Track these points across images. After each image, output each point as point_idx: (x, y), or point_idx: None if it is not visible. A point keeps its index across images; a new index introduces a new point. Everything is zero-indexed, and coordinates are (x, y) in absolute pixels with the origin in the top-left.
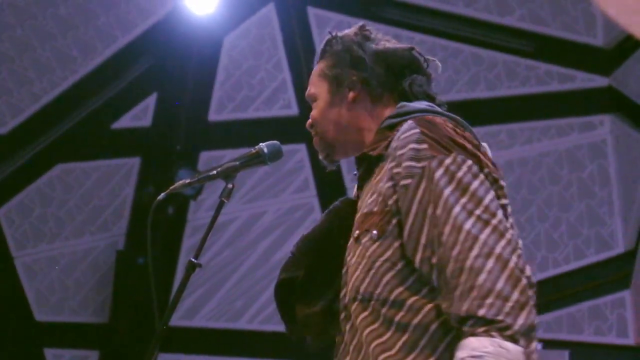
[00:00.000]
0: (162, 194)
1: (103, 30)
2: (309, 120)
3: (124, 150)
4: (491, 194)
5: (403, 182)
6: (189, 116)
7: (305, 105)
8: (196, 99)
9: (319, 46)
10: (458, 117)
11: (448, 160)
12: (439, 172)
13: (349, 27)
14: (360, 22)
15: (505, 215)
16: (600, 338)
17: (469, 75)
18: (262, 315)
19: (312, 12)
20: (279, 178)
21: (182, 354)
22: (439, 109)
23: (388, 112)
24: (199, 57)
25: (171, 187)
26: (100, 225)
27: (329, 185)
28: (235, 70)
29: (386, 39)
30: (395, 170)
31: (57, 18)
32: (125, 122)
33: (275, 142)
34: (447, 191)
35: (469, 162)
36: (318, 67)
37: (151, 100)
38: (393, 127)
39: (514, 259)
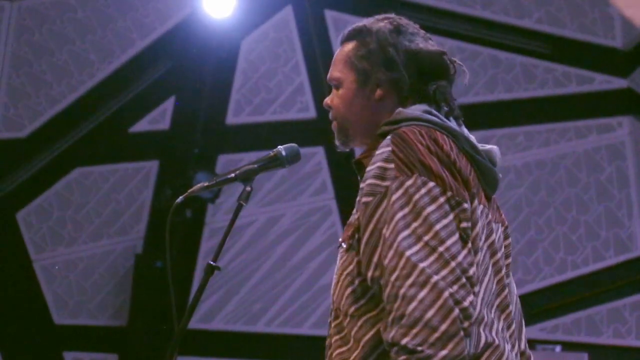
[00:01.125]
0: (181, 197)
1: (121, 34)
2: (328, 101)
3: (142, 153)
4: (447, 219)
5: (364, 199)
6: (206, 119)
7: (323, 109)
8: (214, 102)
9: (347, 29)
10: (449, 126)
11: (409, 182)
12: (397, 194)
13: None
14: (389, 14)
15: (465, 239)
16: (619, 340)
17: (487, 77)
18: (280, 318)
19: (330, 15)
20: (297, 181)
21: (200, 357)
22: (432, 117)
23: None
24: (216, 60)
25: (189, 190)
26: (119, 228)
27: (346, 187)
28: (252, 74)
29: (418, 32)
30: (361, 185)
31: (75, 22)
32: (143, 125)
33: (293, 144)
34: (399, 214)
35: (430, 184)
36: (345, 52)
37: (169, 104)
38: (384, 136)
39: (451, 288)
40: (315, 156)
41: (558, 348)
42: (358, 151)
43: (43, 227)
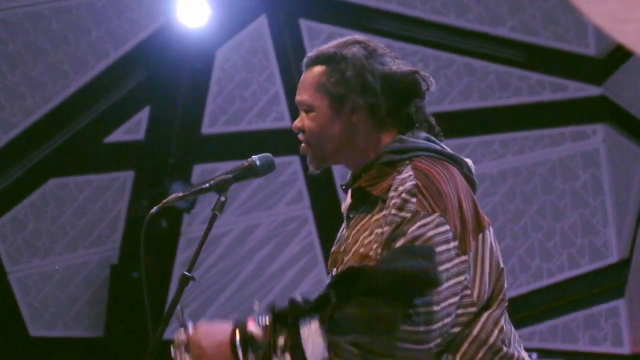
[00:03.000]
0: (156, 208)
1: (95, 44)
2: (299, 125)
3: (117, 164)
4: (449, 264)
5: (380, 230)
6: (182, 129)
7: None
8: (189, 112)
9: (310, 50)
10: (453, 154)
11: (428, 219)
12: (414, 227)
13: (341, 39)
14: (357, 35)
15: (456, 293)
16: (595, 347)
17: (462, 85)
18: None
19: (304, 24)
20: (273, 190)
21: None
22: (436, 146)
23: (388, 137)
24: (191, 70)
25: (164, 201)
26: (94, 239)
27: (322, 197)
28: (227, 83)
29: (386, 52)
30: (378, 216)
31: (49, 33)
32: (118, 135)
33: (267, 154)
34: (411, 238)
35: (447, 227)
36: (314, 76)
37: (144, 114)
38: (392, 164)
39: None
40: (291, 165)
41: (534, 355)
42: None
43: (18, 239)
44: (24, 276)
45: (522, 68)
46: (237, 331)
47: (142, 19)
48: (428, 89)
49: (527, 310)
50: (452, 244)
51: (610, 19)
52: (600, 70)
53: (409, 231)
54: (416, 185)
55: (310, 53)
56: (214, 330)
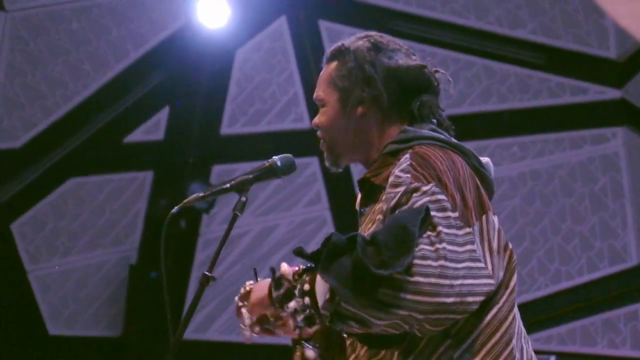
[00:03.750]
0: (176, 208)
1: (115, 44)
2: (316, 121)
3: (136, 164)
4: (449, 230)
5: (380, 205)
6: (201, 130)
7: None
8: (208, 112)
9: (328, 48)
10: (459, 144)
11: (424, 187)
12: (410, 198)
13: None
14: (371, 31)
15: (475, 259)
16: (614, 351)
17: (481, 88)
18: None
19: (324, 25)
20: (291, 191)
21: None
22: (441, 136)
23: (395, 130)
24: (211, 70)
25: (184, 201)
26: (113, 239)
27: (341, 198)
28: (247, 84)
29: (400, 48)
30: (376, 205)
31: (69, 32)
32: (137, 135)
33: (288, 155)
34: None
35: (443, 196)
36: (327, 72)
37: (163, 114)
38: (395, 154)
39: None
40: (310, 166)
41: (553, 358)
42: (355, 171)
43: (37, 238)
44: (43, 275)
45: (542, 71)
46: (276, 274)
47: (162, 19)
48: (437, 85)
49: (546, 313)
50: (451, 214)
51: (635, 19)
52: (620, 73)
53: (406, 202)
54: (410, 164)
55: (327, 50)
56: (263, 282)
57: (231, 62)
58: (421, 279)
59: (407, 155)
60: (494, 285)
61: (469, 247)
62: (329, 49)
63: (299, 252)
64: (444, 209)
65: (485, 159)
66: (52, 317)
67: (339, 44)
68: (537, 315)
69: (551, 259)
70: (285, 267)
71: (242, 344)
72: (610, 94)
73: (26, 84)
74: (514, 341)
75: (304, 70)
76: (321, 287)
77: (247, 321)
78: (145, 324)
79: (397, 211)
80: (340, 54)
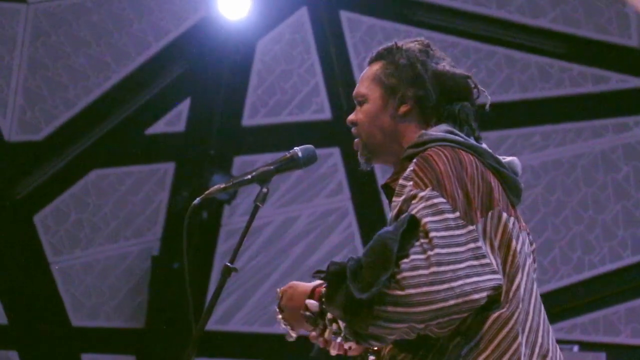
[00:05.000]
0: (198, 199)
1: (136, 36)
2: (352, 118)
3: (158, 155)
4: (447, 232)
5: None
6: (222, 121)
7: (338, 110)
8: (229, 104)
9: (375, 48)
10: (474, 144)
11: (422, 194)
12: (413, 202)
13: (382, 31)
14: (421, 37)
15: (480, 257)
16: (637, 340)
17: (503, 77)
18: None
19: (345, 16)
20: (313, 182)
21: (217, 358)
22: (456, 137)
23: None
24: (232, 62)
25: (206, 192)
26: (135, 230)
27: (362, 189)
28: (268, 75)
29: (445, 58)
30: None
31: (90, 25)
32: (159, 127)
33: (309, 146)
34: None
35: (441, 199)
36: (372, 70)
37: (185, 106)
38: (411, 158)
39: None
40: (331, 157)
41: (576, 348)
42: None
43: (60, 230)
44: (66, 267)
45: (564, 60)
46: (305, 310)
47: (183, 11)
48: (478, 96)
49: (569, 302)
50: (450, 215)
51: None
52: None
53: (406, 211)
54: (413, 170)
55: (374, 51)
56: (300, 289)
57: (252, 54)
58: (412, 291)
59: (415, 161)
60: (501, 279)
61: (471, 245)
62: (377, 49)
63: (317, 274)
64: (440, 212)
65: (510, 158)
66: (75, 308)
67: (390, 43)
68: (560, 304)
69: (573, 248)
70: (310, 304)
71: (264, 335)
72: (632, 82)
73: (48, 77)
74: (519, 337)
75: (324, 61)
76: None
77: (287, 329)
78: (168, 315)
79: (386, 225)
80: (389, 53)
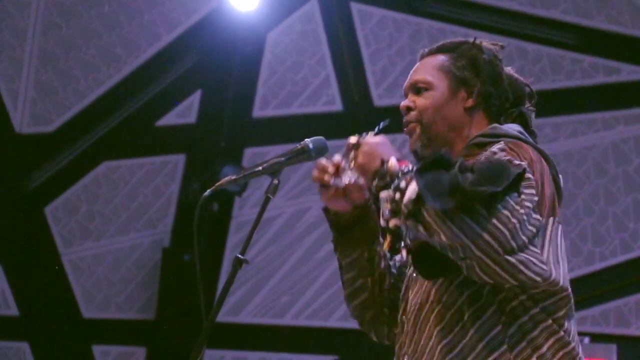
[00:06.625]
0: (208, 191)
1: (147, 28)
2: (409, 104)
3: (169, 147)
4: (532, 198)
5: None
6: (233, 113)
7: (349, 102)
8: (240, 95)
9: (436, 45)
10: (542, 149)
11: (517, 162)
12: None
13: (392, 23)
14: (474, 35)
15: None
16: None
17: (514, 68)
18: (308, 311)
19: (355, 8)
20: None
21: (228, 350)
22: (528, 139)
23: (485, 127)
24: (242, 54)
25: (218, 184)
26: (146, 222)
27: None
28: (278, 67)
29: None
30: None
31: (101, 16)
32: (170, 119)
33: (320, 137)
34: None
35: (531, 176)
36: (437, 60)
37: (195, 98)
38: (482, 146)
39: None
40: (342, 149)
41: (587, 340)
42: None
43: (71, 221)
44: (77, 258)
45: (575, 51)
46: (387, 162)
47: (194, 2)
48: (533, 103)
49: (579, 294)
50: (534, 194)
51: None
52: None
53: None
54: (507, 146)
55: (430, 47)
56: (379, 149)
57: (262, 45)
58: (497, 223)
59: (502, 143)
60: (548, 272)
61: (533, 229)
62: (436, 44)
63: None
64: (531, 187)
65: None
66: (86, 300)
67: (456, 40)
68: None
69: (584, 240)
70: (393, 163)
71: (274, 327)
72: None
73: (59, 68)
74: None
75: (335, 53)
76: (412, 187)
77: (347, 178)
78: (178, 306)
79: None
80: (457, 47)
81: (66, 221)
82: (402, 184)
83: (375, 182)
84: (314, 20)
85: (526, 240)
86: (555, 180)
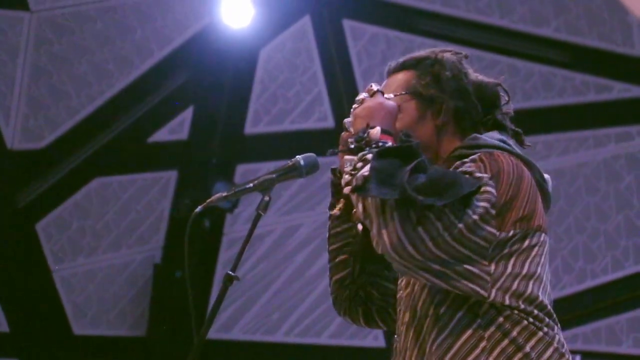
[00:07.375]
0: (200, 207)
1: (140, 44)
2: None
3: (160, 163)
4: (483, 212)
5: None
6: (225, 129)
7: (341, 119)
8: (232, 112)
9: (398, 60)
10: (528, 158)
11: (478, 174)
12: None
13: (384, 39)
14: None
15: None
16: (639, 350)
17: (505, 86)
18: (299, 328)
19: (348, 25)
20: (315, 190)
21: None
22: (509, 147)
23: (462, 140)
24: (234, 70)
25: (208, 200)
26: (138, 238)
27: None
28: (271, 83)
29: (471, 68)
30: None
31: (94, 33)
32: (162, 135)
33: (311, 154)
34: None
35: (492, 190)
36: (403, 79)
37: (188, 114)
38: (461, 158)
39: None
40: (333, 166)
41: (578, 358)
42: None
43: (62, 238)
44: (68, 275)
45: (567, 68)
46: (370, 128)
47: (187, 19)
48: (508, 101)
49: (571, 312)
50: (489, 205)
51: None
52: None
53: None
54: (477, 158)
55: (392, 62)
56: (375, 112)
57: (255, 62)
58: (421, 231)
59: (480, 154)
60: (489, 287)
61: (482, 243)
62: (394, 62)
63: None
64: (487, 200)
65: (546, 175)
66: (77, 316)
67: (420, 55)
68: (562, 314)
69: (576, 257)
70: (375, 132)
71: (265, 343)
72: (635, 91)
73: (51, 84)
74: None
75: (327, 70)
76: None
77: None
78: (170, 323)
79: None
80: (420, 63)
81: (57, 237)
82: (369, 156)
83: (351, 141)
84: (306, 37)
85: (466, 252)
86: (541, 185)
